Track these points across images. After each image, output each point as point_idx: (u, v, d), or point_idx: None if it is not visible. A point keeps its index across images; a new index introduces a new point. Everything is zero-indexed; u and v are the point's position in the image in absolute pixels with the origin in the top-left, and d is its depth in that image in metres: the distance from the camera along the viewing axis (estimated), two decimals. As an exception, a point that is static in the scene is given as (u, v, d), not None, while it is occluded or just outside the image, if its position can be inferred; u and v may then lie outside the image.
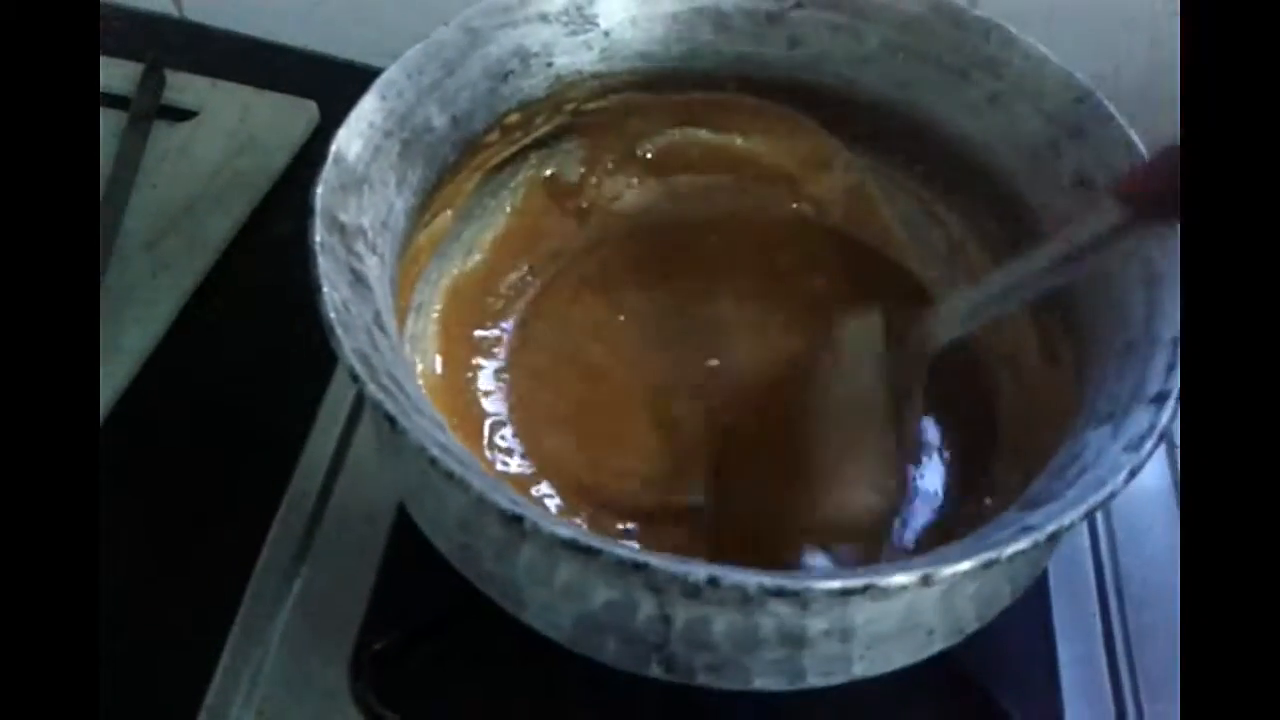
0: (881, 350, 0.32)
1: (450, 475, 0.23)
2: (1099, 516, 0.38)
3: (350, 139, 0.29)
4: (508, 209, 0.37)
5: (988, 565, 0.21)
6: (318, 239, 0.26)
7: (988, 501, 0.33)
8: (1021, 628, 0.34)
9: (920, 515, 0.33)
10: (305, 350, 0.40)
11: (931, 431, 0.35)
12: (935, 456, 0.35)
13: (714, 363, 0.36)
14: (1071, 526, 0.22)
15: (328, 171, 0.28)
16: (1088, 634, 0.35)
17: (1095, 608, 0.35)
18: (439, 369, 0.35)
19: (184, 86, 0.49)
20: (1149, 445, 0.24)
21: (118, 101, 0.48)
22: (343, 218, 0.28)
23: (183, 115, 0.48)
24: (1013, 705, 0.32)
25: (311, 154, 0.48)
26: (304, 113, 0.49)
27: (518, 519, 0.22)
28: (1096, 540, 0.37)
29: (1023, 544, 0.22)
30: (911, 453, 0.34)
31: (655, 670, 0.26)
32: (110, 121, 0.47)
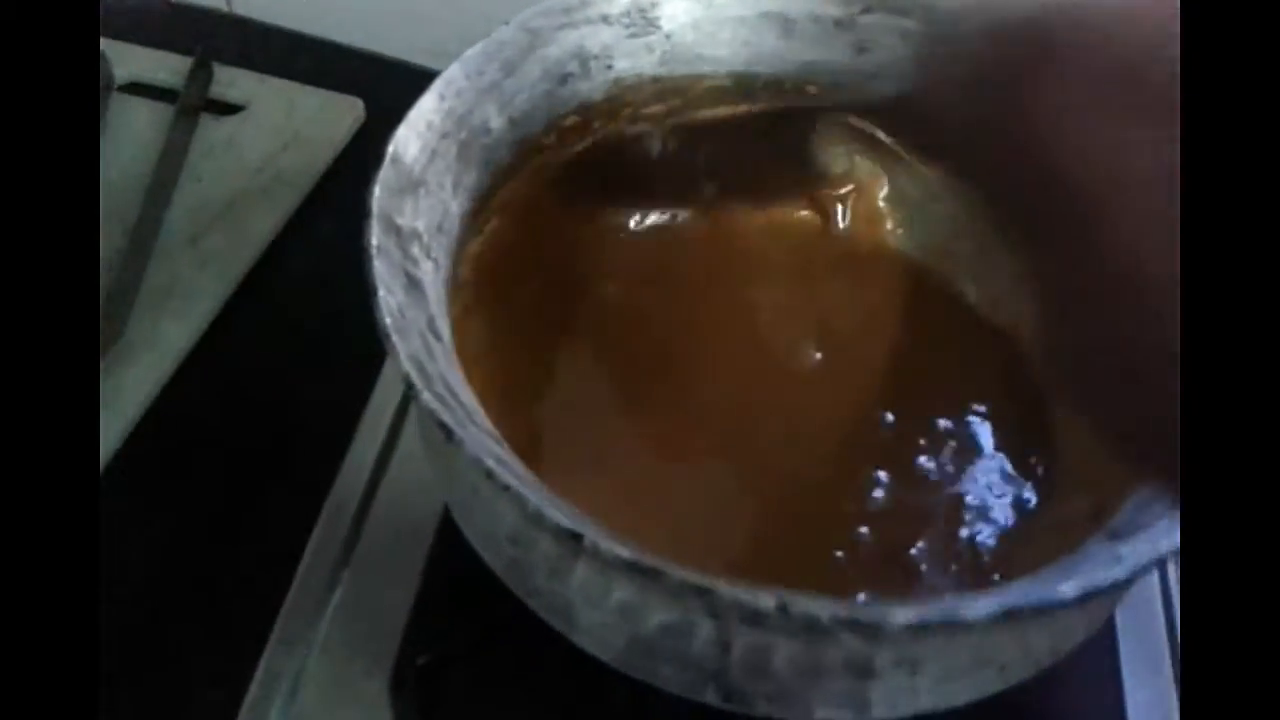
0: None
1: (507, 489, 0.22)
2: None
3: (408, 139, 0.28)
4: (562, 217, 0.36)
5: (1080, 598, 0.20)
6: (374, 242, 0.26)
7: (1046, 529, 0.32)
8: (1088, 667, 0.33)
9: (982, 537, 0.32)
10: (349, 350, 0.41)
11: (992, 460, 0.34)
12: (994, 480, 0.34)
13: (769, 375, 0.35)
14: (1165, 557, 0.21)
15: (385, 172, 0.27)
16: (1157, 674, 0.34)
17: (1165, 647, 0.34)
18: (503, 380, 0.34)
19: (231, 81, 0.49)
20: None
21: (165, 94, 0.48)
22: (399, 220, 0.27)
23: (229, 110, 0.48)
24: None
25: (357, 151, 0.48)
26: (350, 110, 0.49)
27: (576, 536, 0.22)
28: (1165, 577, 0.36)
29: (1119, 573, 0.21)
30: None
31: (711, 698, 0.25)
32: (157, 114, 0.47)
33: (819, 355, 0.35)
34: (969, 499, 0.32)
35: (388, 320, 0.25)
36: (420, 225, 0.28)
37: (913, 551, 0.31)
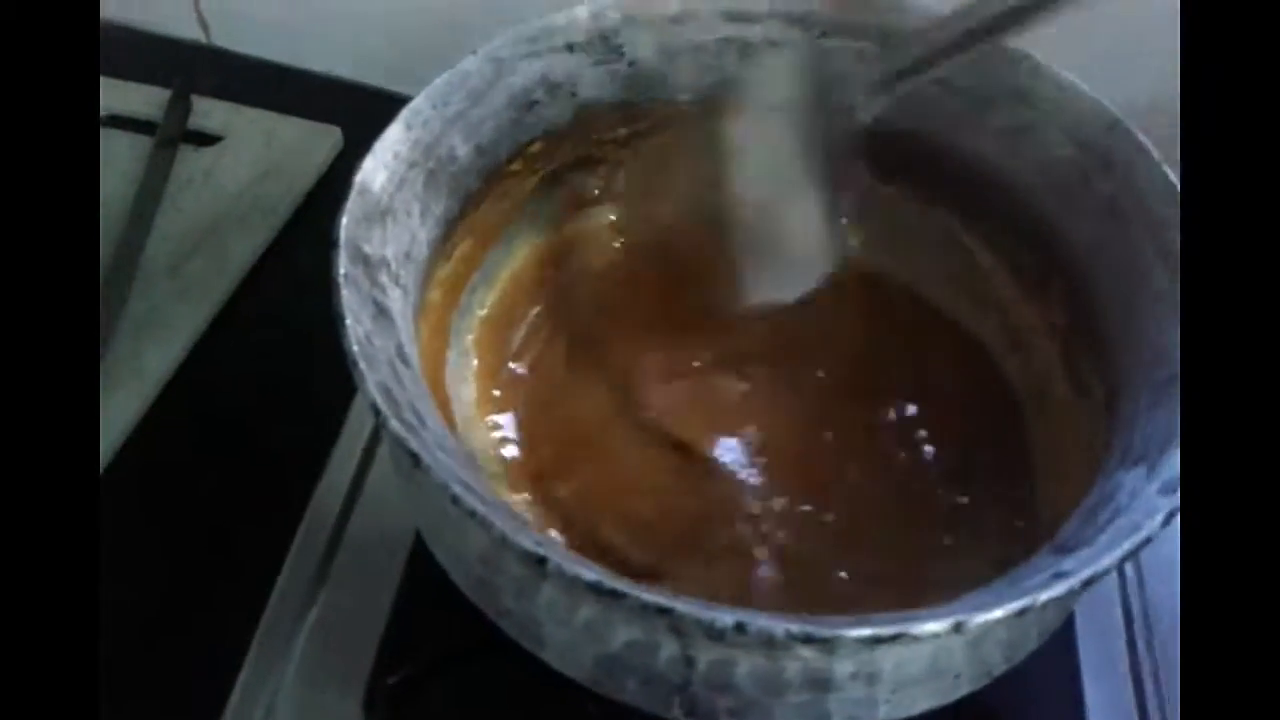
0: (797, 97, 0.31)
1: (473, 514, 0.23)
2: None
3: (375, 170, 0.29)
4: (530, 239, 0.37)
5: (1021, 613, 0.21)
6: (342, 271, 0.26)
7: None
8: (1048, 667, 0.33)
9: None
10: (326, 375, 0.40)
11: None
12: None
13: (739, 392, 0.36)
14: (1106, 572, 0.22)
15: (352, 203, 0.28)
16: (1115, 672, 0.34)
17: (1123, 646, 0.35)
18: (475, 402, 0.35)
19: (210, 112, 0.50)
20: (1186, 488, 0.23)
21: (144, 126, 0.48)
22: (366, 249, 0.28)
23: (208, 140, 0.49)
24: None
25: (335, 179, 0.48)
26: (328, 138, 0.49)
27: (541, 560, 0.22)
28: (1124, 575, 0.36)
29: (1057, 590, 0.21)
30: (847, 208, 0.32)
31: (676, 712, 0.25)
32: (136, 146, 0.47)
33: (786, 368, 0.36)
34: (940, 503, 0.33)
35: (355, 349, 0.25)
36: (389, 253, 0.29)
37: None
